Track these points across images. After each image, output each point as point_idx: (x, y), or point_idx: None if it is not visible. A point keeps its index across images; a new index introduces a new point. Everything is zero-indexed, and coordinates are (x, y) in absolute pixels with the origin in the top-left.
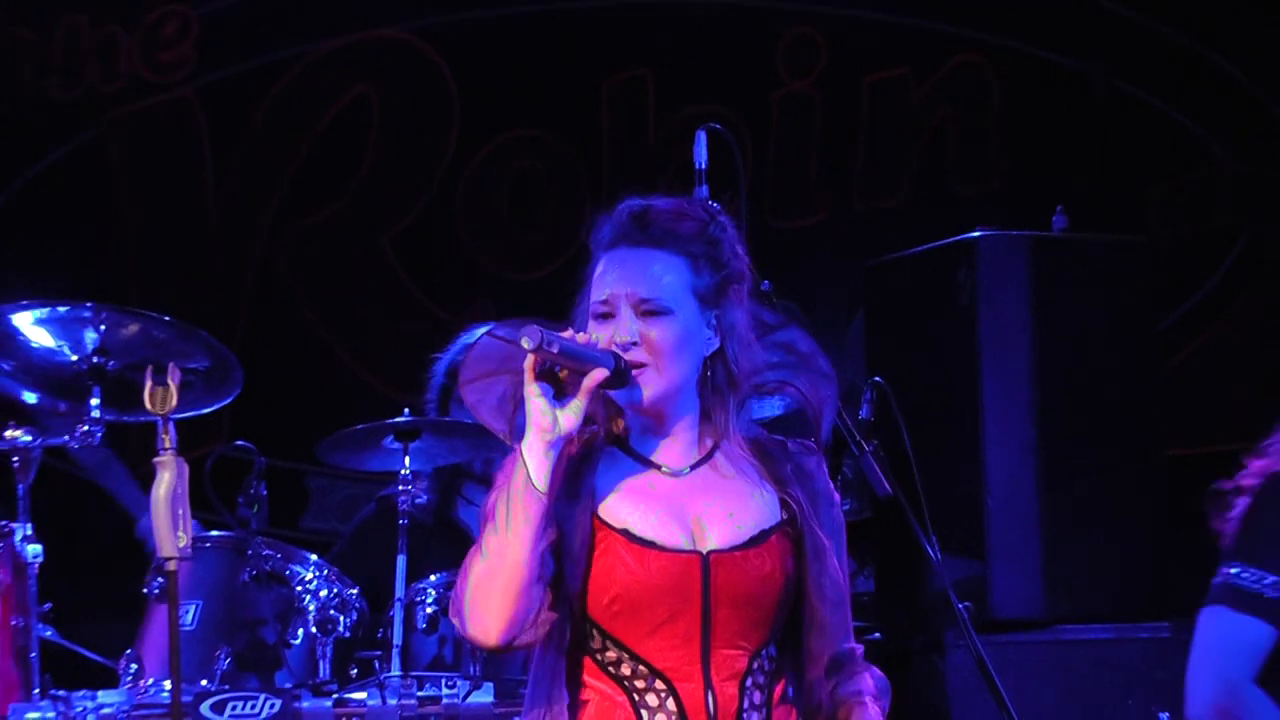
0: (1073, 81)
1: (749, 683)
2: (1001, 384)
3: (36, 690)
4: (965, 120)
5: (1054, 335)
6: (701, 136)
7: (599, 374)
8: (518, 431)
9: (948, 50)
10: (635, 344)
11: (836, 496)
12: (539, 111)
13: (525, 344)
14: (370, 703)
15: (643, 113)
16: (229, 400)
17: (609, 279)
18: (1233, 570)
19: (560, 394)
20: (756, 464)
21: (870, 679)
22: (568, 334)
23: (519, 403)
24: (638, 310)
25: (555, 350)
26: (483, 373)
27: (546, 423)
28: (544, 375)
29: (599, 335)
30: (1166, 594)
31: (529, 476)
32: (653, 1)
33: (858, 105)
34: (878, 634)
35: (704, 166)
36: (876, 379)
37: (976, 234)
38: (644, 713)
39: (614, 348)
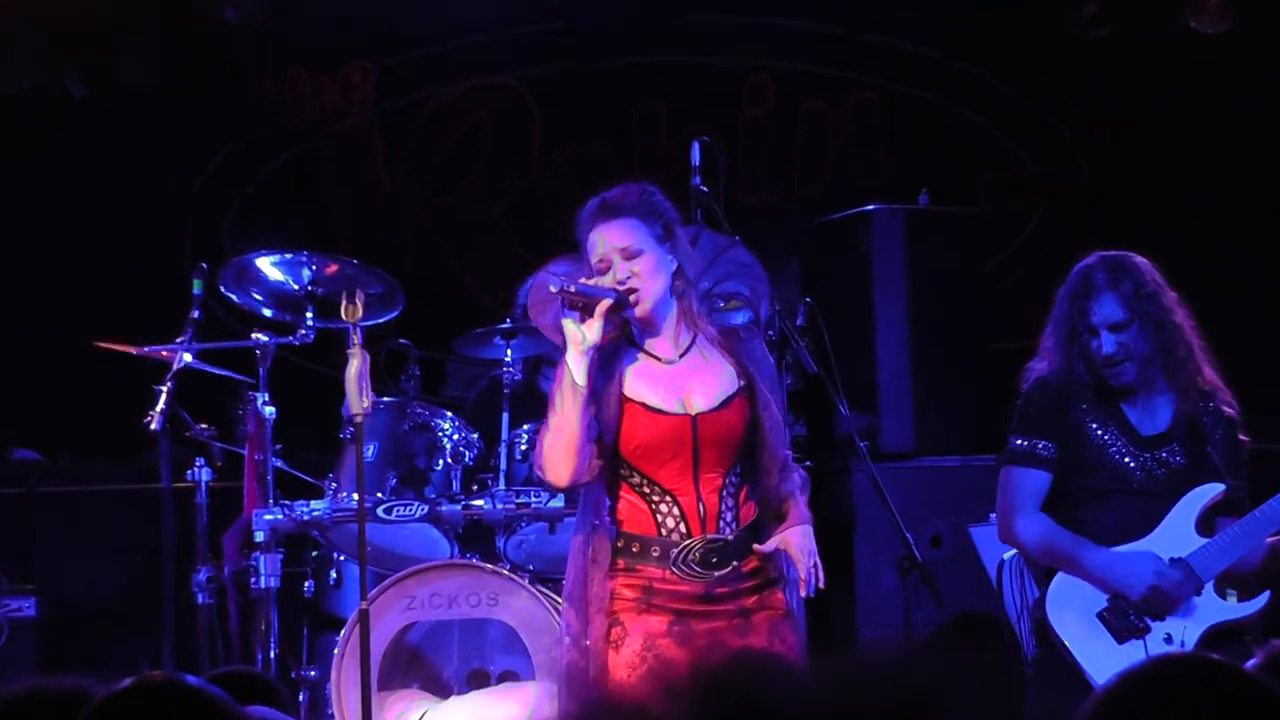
0: (928, 111)
1: (724, 492)
2: (887, 303)
3: (271, 501)
4: (862, 135)
5: (920, 272)
6: (696, 145)
7: (606, 301)
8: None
9: (850, 90)
10: (629, 277)
11: (772, 361)
12: (591, 129)
13: (552, 289)
14: (485, 506)
15: (657, 129)
16: (395, 314)
17: (599, 245)
18: (1016, 441)
19: (584, 319)
20: (722, 348)
21: (797, 476)
22: (583, 280)
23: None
24: (623, 256)
25: (573, 290)
26: (539, 301)
27: (578, 338)
28: (572, 307)
29: (607, 279)
30: (993, 437)
31: (573, 377)
32: (664, 63)
33: (794, 125)
34: (809, 462)
35: (698, 163)
36: (807, 299)
37: (871, 208)
38: (658, 516)
39: (615, 286)
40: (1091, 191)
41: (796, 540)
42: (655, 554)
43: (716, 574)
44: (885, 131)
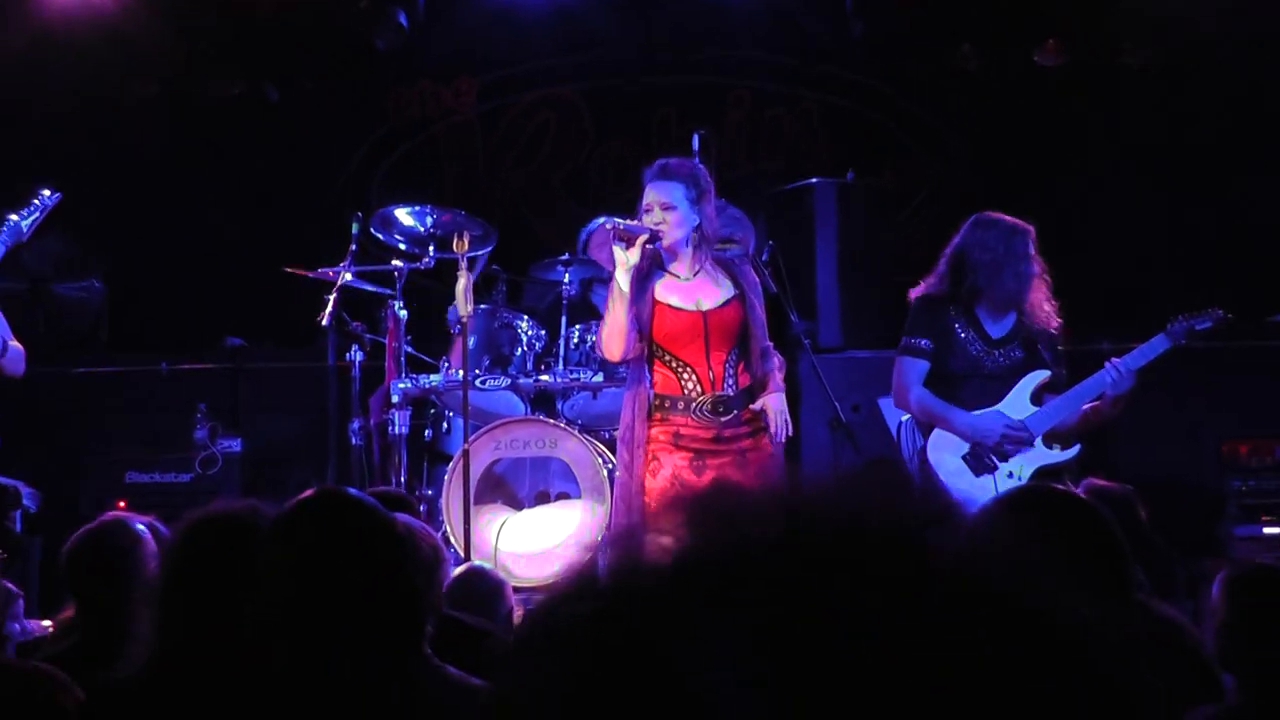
0: (854, 117)
1: (727, 365)
2: (825, 247)
3: (403, 374)
4: (809, 133)
5: (847, 225)
6: (696, 137)
7: (644, 235)
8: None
9: (801, 102)
10: (661, 222)
11: (758, 280)
12: (624, 128)
13: (606, 226)
14: (548, 380)
15: (669, 125)
16: (490, 249)
17: (649, 194)
18: (906, 339)
19: (628, 247)
20: (723, 271)
21: (776, 359)
22: (630, 220)
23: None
24: (661, 207)
25: (621, 227)
26: (598, 243)
27: (623, 260)
28: (619, 238)
29: (647, 220)
30: (895, 337)
31: (620, 288)
32: (675, 82)
33: (762, 125)
34: None
35: (697, 149)
36: (770, 242)
37: (813, 180)
38: (682, 380)
39: (652, 225)
40: (962, 174)
41: (772, 403)
42: (680, 407)
43: (723, 419)
44: (825, 130)
